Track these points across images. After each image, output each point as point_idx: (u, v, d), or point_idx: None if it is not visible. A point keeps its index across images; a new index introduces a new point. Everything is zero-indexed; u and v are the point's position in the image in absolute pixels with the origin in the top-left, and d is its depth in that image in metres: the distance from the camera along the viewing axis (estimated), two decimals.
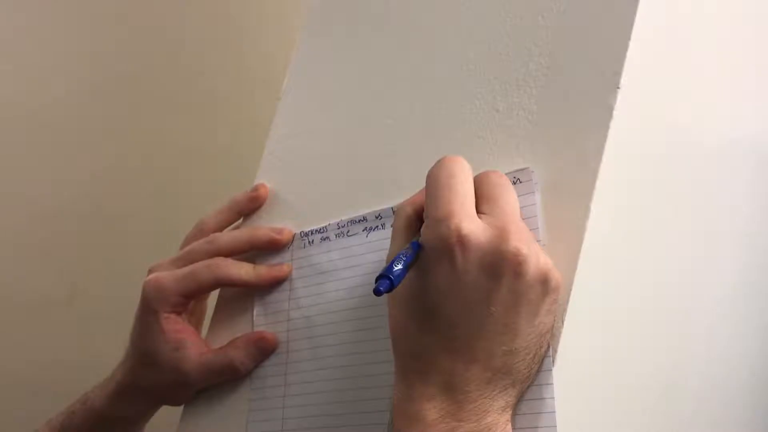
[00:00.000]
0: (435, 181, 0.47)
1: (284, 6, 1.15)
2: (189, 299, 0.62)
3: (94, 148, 1.05)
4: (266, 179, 0.67)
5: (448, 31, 0.60)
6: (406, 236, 0.48)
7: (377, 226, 0.57)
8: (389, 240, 0.51)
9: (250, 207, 0.66)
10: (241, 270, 0.60)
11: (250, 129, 0.90)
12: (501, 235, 0.44)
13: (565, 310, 0.47)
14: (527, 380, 0.46)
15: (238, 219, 0.67)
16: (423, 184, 0.49)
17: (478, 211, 0.46)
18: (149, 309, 0.60)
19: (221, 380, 0.61)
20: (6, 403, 0.95)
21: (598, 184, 0.48)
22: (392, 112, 0.61)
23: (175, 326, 0.60)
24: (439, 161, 0.48)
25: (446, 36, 0.60)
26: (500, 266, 0.44)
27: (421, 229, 0.47)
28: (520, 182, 0.51)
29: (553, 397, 0.45)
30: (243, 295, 0.63)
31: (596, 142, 0.49)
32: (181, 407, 0.64)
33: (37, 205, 1.00)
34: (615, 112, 0.49)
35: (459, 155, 0.49)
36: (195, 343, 0.61)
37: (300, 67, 0.70)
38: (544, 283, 0.45)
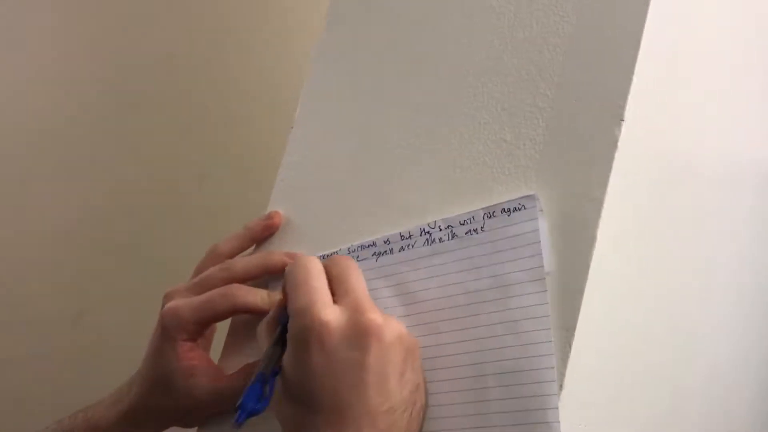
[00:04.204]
0: (293, 281, 0.53)
1: (298, 32, 1.17)
2: (205, 327, 0.62)
3: (104, 171, 1.05)
4: (279, 206, 0.68)
5: (456, 63, 0.61)
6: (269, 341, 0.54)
7: (386, 251, 0.58)
8: (397, 264, 0.55)
9: (264, 234, 0.67)
10: (257, 297, 0.61)
11: (262, 156, 0.91)
12: (356, 312, 0.51)
13: (572, 335, 0.48)
14: None
15: (251, 246, 0.68)
16: (432, 211, 0.53)
17: (333, 296, 0.52)
18: (166, 336, 0.61)
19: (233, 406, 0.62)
20: (7, 422, 0.95)
21: (604, 212, 0.49)
22: (402, 141, 0.62)
23: (189, 353, 0.61)
24: (293, 262, 0.54)
25: (455, 67, 0.61)
26: (363, 339, 0.50)
27: (288, 324, 0.52)
28: (525, 208, 0.52)
29: (558, 421, 0.46)
30: (256, 321, 0.63)
31: (601, 173, 0.50)
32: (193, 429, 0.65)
33: (45, 225, 1.00)
34: (619, 144, 0.50)
35: (464, 184, 0.53)
36: (208, 369, 0.61)
37: (311, 95, 0.72)
38: (401, 342, 0.51)
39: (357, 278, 0.54)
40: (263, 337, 0.55)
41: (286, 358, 0.52)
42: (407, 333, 0.52)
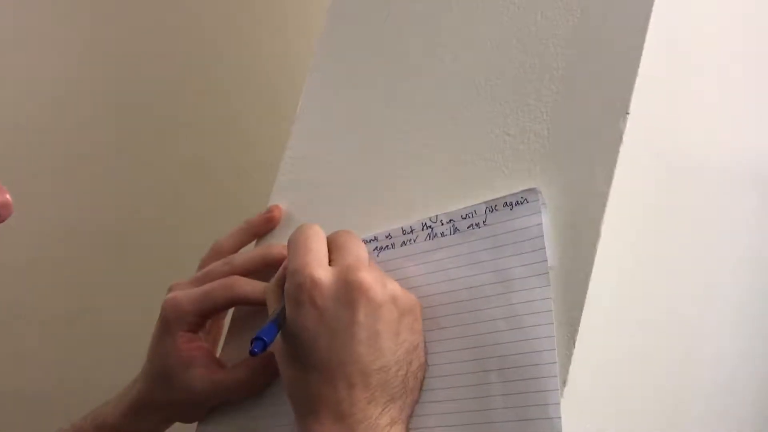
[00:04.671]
0: (293, 243, 0.54)
1: (300, 29, 1.17)
2: (205, 318, 0.62)
3: (105, 169, 1.05)
4: (280, 200, 0.68)
5: (460, 57, 0.61)
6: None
7: (387, 246, 0.58)
8: (399, 259, 0.55)
9: (265, 229, 0.67)
10: (255, 288, 0.61)
11: (264, 151, 0.91)
12: (347, 271, 0.51)
13: (576, 330, 0.48)
14: (405, 395, 0.51)
15: (253, 240, 0.68)
16: (434, 206, 0.53)
17: (331, 260, 0.53)
18: (166, 328, 0.61)
19: (233, 398, 0.62)
20: (11, 419, 0.94)
21: (609, 207, 0.49)
22: (404, 135, 0.62)
23: (189, 344, 0.61)
24: (297, 228, 0.55)
25: (458, 61, 0.61)
26: (352, 296, 0.50)
27: (285, 285, 0.53)
28: (527, 202, 0.52)
29: (560, 417, 0.46)
30: (256, 313, 0.63)
31: (606, 167, 0.50)
32: (195, 424, 0.65)
33: (47, 222, 1.00)
34: (624, 137, 0.50)
35: (466, 179, 0.54)
36: (208, 361, 0.62)
37: (314, 90, 0.72)
38: (395, 302, 0.51)
39: (356, 245, 0.55)
40: (271, 300, 0.56)
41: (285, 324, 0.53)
42: (403, 293, 0.53)
